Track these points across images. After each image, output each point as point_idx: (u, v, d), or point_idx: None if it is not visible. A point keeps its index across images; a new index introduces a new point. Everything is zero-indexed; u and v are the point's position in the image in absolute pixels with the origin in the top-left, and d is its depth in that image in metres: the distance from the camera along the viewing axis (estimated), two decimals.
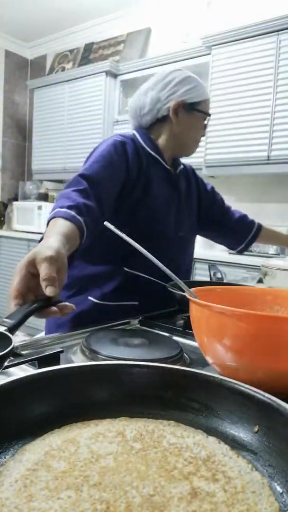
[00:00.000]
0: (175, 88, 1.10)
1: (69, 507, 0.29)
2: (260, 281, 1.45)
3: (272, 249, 2.59)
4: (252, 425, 0.39)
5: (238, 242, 1.41)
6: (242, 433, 0.40)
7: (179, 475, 0.34)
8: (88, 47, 3.93)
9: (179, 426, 0.42)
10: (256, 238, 1.41)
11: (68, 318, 1.08)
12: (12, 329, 0.54)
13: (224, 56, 2.66)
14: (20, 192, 4.37)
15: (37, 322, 3.24)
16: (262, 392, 0.40)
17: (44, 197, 4.05)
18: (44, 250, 0.62)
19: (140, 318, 0.92)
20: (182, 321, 0.95)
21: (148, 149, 1.12)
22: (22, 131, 4.60)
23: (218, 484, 0.33)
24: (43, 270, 0.59)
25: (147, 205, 1.09)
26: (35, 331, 2.91)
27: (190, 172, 1.30)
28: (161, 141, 1.15)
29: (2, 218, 4.22)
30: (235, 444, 0.39)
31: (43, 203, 3.80)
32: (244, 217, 1.40)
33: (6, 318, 0.55)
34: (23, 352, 0.65)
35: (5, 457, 0.36)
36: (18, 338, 0.53)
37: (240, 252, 1.45)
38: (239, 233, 1.40)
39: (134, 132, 1.15)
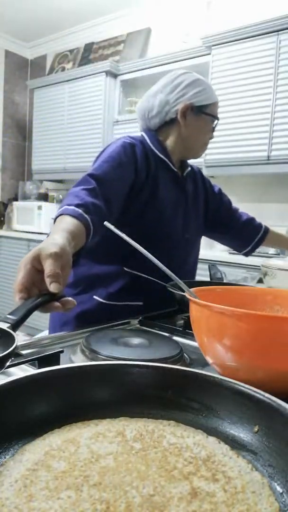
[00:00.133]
0: (184, 91, 1.10)
1: (69, 507, 0.29)
2: (260, 281, 1.45)
3: (272, 249, 2.59)
4: (252, 425, 0.39)
5: (244, 245, 1.41)
6: (242, 433, 0.40)
7: (179, 475, 0.34)
8: (88, 47, 3.94)
9: (179, 426, 0.42)
10: (263, 241, 1.40)
11: (73, 316, 1.09)
12: (15, 325, 0.54)
13: (224, 56, 2.66)
14: (20, 192, 4.37)
15: (37, 322, 3.25)
16: (262, 392, 0.40)
17: (44, 197, 4.05)
18: (49, 246, 0.62)
19: (140, 318, 0.93)
20: (182, 321, 0.95)
21: (157, 152, 1.12)
22: (22, 131, 4.60)
23: (218, 484, 0.33)
24: (48, 266, 0.60)
25: (155, 207, 1.09)
26: (35, 331, 2.91)
27: (197, 174, 1.30)
28: (169, 143, 1.15)
29: (2, 218, 4.22)
30: (235, 444, 0.39)
31: (43, 203, 3.80)
32: (251, 220, 1.40)
33: (9, 314, 0.55)
34: (23, 352, 0.65)
35: (5, 457, 0.36)
36: (19, 338, 0.53)
37: (246, 255, 1.44)
38: (246, 235, 1.39)
39: (143, 133, 1.16)
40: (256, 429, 0.39)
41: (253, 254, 1.47)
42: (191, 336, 0.79)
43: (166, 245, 1.13)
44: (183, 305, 0.96)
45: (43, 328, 2.86)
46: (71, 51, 4.10)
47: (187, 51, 2.93)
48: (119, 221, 0.99)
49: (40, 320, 3.20)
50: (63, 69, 4.06)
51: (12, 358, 0.53)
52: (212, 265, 1.50)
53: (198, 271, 1.34)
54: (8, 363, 0.50)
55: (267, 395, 0.39)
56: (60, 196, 4.07)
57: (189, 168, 1.24)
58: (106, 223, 0.68)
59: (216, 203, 1.33)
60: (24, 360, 0.60)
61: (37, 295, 0.59)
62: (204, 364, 0.64)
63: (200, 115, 1.12)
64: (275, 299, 0.70)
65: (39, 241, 3.53)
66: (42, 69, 4.43)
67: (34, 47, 4.47)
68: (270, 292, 0.74)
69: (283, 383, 0.50)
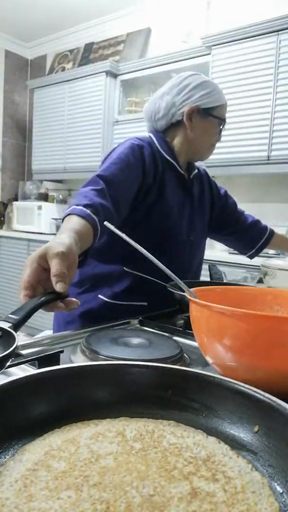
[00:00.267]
0: (191, 93, 1.09)
1: (69, 507, 0.29)
2: (260, 281, 1.45)
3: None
4: (252, 425, 0.39)
5: (249, 247, 1.41)
6: (242, 433, 0.40)
7: (179, 475, 0.34)
8: (88, 47, 3.94)
9: (179, 426, 0.42)
10: (268, 244, 1.40)
11: (77, 315, 1.09)
12: (17, 325, 0.54)
13: (224, 56, 2.66)
14: (20, 192, 4.37)
15: (37, 322, 3.25)
16: (262, 392, 0.40)
17: (44, 197, 4.05)
18: (56, 246, 0.63)
19: (140, 318, 0.93)
20: (182, 321, 0.95)
21: (164, 154, 1.12)
22: (22, 131, 4.60)
23: (218, 484, 0.33)
24: (54, 266, 0.60)
25: (161, 209, 1.10)
26: (35, 331, 2.91)
27: (204, 176, 1.30)
28: (176, 145, 1.15)
29: (2, 218, 4.22)
30: (235, 444, 0.39)
31: (43, 203, 3.80)
32: (256, 222, 1.39)
33: (11, 314, 0.55)
34: (23, 352, 0.65)
35: (5, 457, 0.36)
36: (19, 338, 0.53)
37: (251, 257, 1.44)
38: (250, 238, 1.39)
39: (151, 135, 1.16)
40: (256, 429, 0.39)
41: None
42: (191, 336, 0.79)
43: (171, 247, 1.13)
44: (183, 305, 0.96)
45: (44, 328, 2.86)
46: (71, 51, 4.10)
47: (187, 51, 2.93)
48: (126, 223, 0.99)
49: (41, 320, 3.20)
50: (63, 69, 4.06)
51: (12, 358, 0.53)
52: (212, 265, 1.50)
53: None
54: (8, 363, 0.50)
55: (267, 395, 0.39)
56: (60, 196, 4.07)
57: (196, 170, 1.24)
58: (106, 223, 0.68)
59: (222, 206, 1.33)
60: (24, 360, 0.60)
61: (41, 294, 0.60)
62: (204, 364, 0.64)
63: (206, 118, 1.11)
64: (275, 299, 0.70)
65: (39, 241, 3.55)
66: (42, 69, 4.43)
67: (34, 47, 4.47)
68: (270, 292, 0.74)
69: (283, 383, 0.50)
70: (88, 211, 0.80)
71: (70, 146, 3.66)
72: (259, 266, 1.39)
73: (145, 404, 0.44)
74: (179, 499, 0.30)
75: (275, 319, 0.54)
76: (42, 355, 0.61)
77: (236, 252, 1.51)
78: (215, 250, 2.74)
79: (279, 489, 0.33)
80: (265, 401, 0.39)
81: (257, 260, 1.48)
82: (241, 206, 1.42)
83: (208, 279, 1.49)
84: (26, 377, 0.41)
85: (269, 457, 0.36)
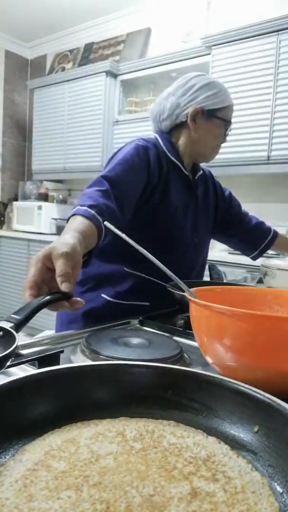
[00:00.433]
0: (195, 94, 1.09)
1: (69, 507, 0.29)
2: (260, 281, 1.45)
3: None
4: (252, 425, 0.39)
5: (252, 249, 1.41)
6: (242, 433, 0.40)
7: (179, 475, 0.34)
8: (88, 47, 3.94)
9: (179, 426, 0.42)
10: (271, 245, 1.40)
11: (80, 314, 1.10)
12: (19, 325, 0.54)
13: (224, 56, 2.66)
14: (20, 192, 4.37)
15: (37, 322, 3.25)
16: (262, 392, 0.40)
17: (44, 197, 4.05)
18: (61, 246, 0.63)
19: (140, 318, 0.93)
20: (182, 321, 0.95)
21: (169, 155, 1.12)
22: (22, 131, 4.60)
23: (218, 484, 0.33)
24: (59, 266, 0.61)
25: (165, 210, 1.10)
26: (35, 331, 2.90)
27: (209, 178, 1.30)
28: (180, 145, 1.15)
29: (2, 218, 4.22)
30: (235, 444, 0.39)
31: (43, 203, 3.80)
32: (260, 224, 1.39)
33: (13, 314, 0.55)
34: (23, 352, 0.65)
35: (5, 457, 0.36)
36: (19, 338, 0.53)
37: (254, 259, 1.44)
38: (254, 239, 1.39)
39: (156, 136, 1.15)
40: (256, 429, 0.39)
41: None
42: (191, 336, 0.79)
43: (175, 248, 1.14)
44: (183, 305, 0.96)
45: (44, 328, 2.86)
46: (71, 51, 4.10)
47: (187, 51, 2.93)
48: (130, 223, 0.99)
49: (41, 320, 3.20)
50: (63, 69, 4.06)
51: (12, 358, 0.53)
52: (212, 265, 1.50)
53: None
54: (8, 363, 0.50)
55: (267, 395, 0.39)
56: (60, 196, 4.07)
57: (201, 172, 1.24)
58: (106, 223, 0.69)
59: (226, 207, 1.33)
60: (24, 360, 0.60)
61: (45, 294, 0.60)
62: (204, 364, 0.64)
63: (211, 119, 1.11)
64: (275, 299, 0.70)
65: (39, 241, 3.55)
66: (42, 69, 4.43)
67: (34, 47, 4.47)
68: (270, 292, 0.74)
69: (283, 383, 0.50)
70: (92, 211, 0.80)
71: (70, 146, 3.66)
72: (259, 266, 1.39)
73: (145, 404, 0.44)
74: (179, 499, 0.30)
75: (275, 319, 0.54)
76: (42, 355, 0.61)
77: (236, 252, 1.52)
78: (215, 250, 2.74)
79: (279, 489, 0.33)
80: (265, 401, 0.39)
81: (257, 260, 1.48)
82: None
83: (208, 279, 1.49)
84: (26, 377, 0.41)
85: (269, 457, 0.36)
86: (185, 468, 0.35)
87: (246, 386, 0.41)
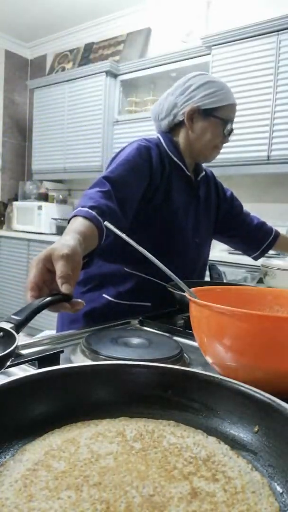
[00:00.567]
0: (193, 93, 1.09)
1: (69, 507, 0.29)
2: (260, 281, 1.45)
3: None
4: (252, 425, 0.39)
5: (254, 249, 1.41)
6: (242, 433, 0.40)
7: (179, 475, 0.34)
8: (88, 47, 3.94)
9: (179, 426, 0.42)
10: (272, 246, 1.40)
11: (81, 314, 1.10)
12: (19, 326, 0.54)
13: (224, 56, 2.66)
14: (20, 192, 4.37)
15: (37, 322, 3.25)
16: (262, 392, 0.40)
17: (44, 197, 4.05)
18: (61, 248, 0.63)
19: (140, 318, 0.93)
20: (182, 321, 0.95)
21: (172, 155, 1.12)
22: (22, 131, 4.60)
23: (218, 484, 0.33)
24: (60, 268, 0.61)
25: (166, 211, 1.10)
26: (35, 331, 2.90)
27: (210, 178, 1.30)
28: (180, 145, 1.15)
29: (2, 218, 4.22)
30: (235, 444, 0.39)
31: (43, 203, 3.80)
32: (262, 224, 1.39)
33: (13, 315, 0.56)
34: (23, 352, 0.65)
35: (5, 457, 0.36)
36: (19, 338, 0.53)
37: (255, 259, 1.44)
38: (256, 240, 1.39)
39: (159, 136, 1.16)
40: (256, 429, 0.39)
41: None
42: (191, 336, 0.79)
43: (176, 249, 1.14)
44: (183, 305, 0.96)
45: (44, 328, 2.86)
46: (71, 51, 4.10)
47: (187, 51, 2.93)
48: (131, 224, 0.99)
49: (41, 320, 3.20)
50: (63, 69, 4.06)
51: (12, 358, 0.53)
52: (212, 265, 1.50)
53: None
54: (8, 363, 0.50)
55: (267, 395, 0.39)
56: (60, 196, 4.07)
57: (203, 173, 1.24)
58: (106, 223, 0.69)
59: (227, 208, 1.33)
60: (24, 360, 0.60)
61: (45, 295, 0.60)
62: (204, 364, 0.64)
63: (208, 118, 1.10)
64: (275, 299, 0.70)
65: (39, 241, 3.55)
66: (42, 69, 4.43)
67: (34, 47, 4.47)
68: (270, 292, 0.74)
69: (283, 383, 0.50)
70: (93, 212, 0.80)
71: (70, 146, 3.66)
72: (259, 266, 1.39)
73: (145, 404, 0.44)
74: (179, 499, 0.30)
75: (275, 319, 0.54)
76: (42, 355, 0.61)
77: (236, 252, 1.52)
78: (215, 250, 2.74)
79: (279, 489, 0.33)
80: (265, 401, 0.39)
81: (257, 260, 1.48)
82: None
83: (208, 279, 1.49)
84: (26, 377, 0.41)
85: (269, 457, 0.36)
86: (185, 468, 0.35)
87: (246, 386, 0.41)
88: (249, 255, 1.44)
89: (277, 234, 1.40)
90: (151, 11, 3.48)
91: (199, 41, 2.80)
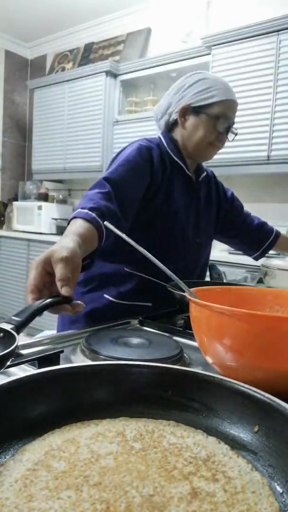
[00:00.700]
0: (186, 92, 1.09)
1: (69, 507, 0.29)
2: (260, 281, 1.45)
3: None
4: (252, 425, 0.39)
5: (254, 249, 1.41)
6: (242, 433, 0.40)
7: (179, 475, 0.34)
8: (88, 47, 3.94)
9: (179, 426, 0.42)
10: (273, 246, 1.40)
11: (82, 314, 1.10)
12: (19, 327, 0.54)
13: (224, 56, 2.66)
14: (20, 192, 4.37)
15: (37, 322, 3.24)
16: (262, 392, 0.40)
17: (44, 197, 4.05)
18: (60, 250, 0.64)
19: (140, 318, 0.92)
20: (182, 321, 0.95)
21: (173, 155, 1.12)
22: (22, 131, 4.60)
23: (218, 484, 0.33)
24: (59, 271, 0.61)
25: (167, 211, 1.10)
26: (35, 331, 2.90)
27: (211, 178, 1.29)
28: (179, 144, 1.15)
29: (2, 218, 4.22)
30: (235, 444, 0.39)
31: (43, 203, 3.80)
32: (262, 224, 1.39)
33: (14, 316, 0.56)
34: (23, 352, 0.65)
35: (5, 457, 0.36)
36: (19, 338, 0.53)
37: (256, 259, 1.44)
38: (256, 240, 1.39)
39: (160, 136, 1.16)
40: (256, 429, 0.39)
41: None
42: (191, 336, 0.79)
43: (177, 249, 1.13)
44: (183, 305, 0.96)
45: (44, 328, 2.86)
46: (71, 51, 4.10)
47: (187, 51, 2.93)
48: (132, 224, 0.99)
49: (41, 320, 3.19)
50: (63, 69, 4.06)
51: (12, 358, 0.54)
52: (212, 265, 1.50)
53: None
54: (8, 363, 0.50)
55: (267, 395, 0.39)
56: (60, 196, 4.07)
57: (205, 173, 1.24)
58: (106, 223, 0.69)
59: (228, 208, 1.33)
60: (24, 360, 0.60)
61: (45, 297, 0.61)
62: (204, 364, 0.64)
63: (198, 115, 1.09)
64: (275, 299, 0.70)
65: (39, 241, 3.55)
66: (42, 69, 4.43)
67: (34, 47, 4.47)
68: (270, 292, 0.74)
69: (283, 383, 0.50)
70: (93, 214, 0.80)
71: (70, 146, 3.66)
72: (259, 266, 1.39)
73: (145, 404, 0.44)
74: (179, 499, 0.30)
75: (275, 319, 0.54)
76: (42, 355, 0.61)
77: (236, 252, 1.52)
78: (215, 250, 2.73)
79: (279, 489, 0.33)
80: (265, 401, 0.39)
81: (257, 260, 1.48)
82: None
83: (208, 279, 1.49)
84: (26, 377, 0.41)
85: (269, 457, 0.36)
86: (185, 468, 0.35)
87: (246, 386, 0.41)
88: (250, 255, 1.44)
89: (278, 234, 1.40)
90: (151, 11, 3.48)
91: (199, 41, 2.80)
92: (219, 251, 2.70)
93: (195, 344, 0.72)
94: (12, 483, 0.32)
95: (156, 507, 0.29)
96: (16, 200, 4.26)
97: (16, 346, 0.50)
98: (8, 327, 0.53)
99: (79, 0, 3.51)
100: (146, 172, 1.03)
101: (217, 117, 1.09)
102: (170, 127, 1.16)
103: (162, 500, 0.30)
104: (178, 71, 3.02)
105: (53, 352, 0.62)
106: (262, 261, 1.39)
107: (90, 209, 0.81)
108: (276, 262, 1.33)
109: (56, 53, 4.26)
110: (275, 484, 0.34)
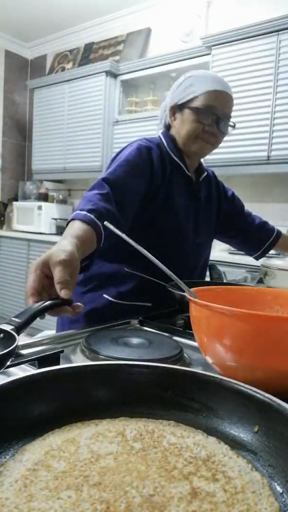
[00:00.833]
0: (175, 93, 1.11)
1: (69, 507, 0.29)
2: (260, 281, 1.45)
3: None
4: (252, 425, 0.39)
5: (255, 249, 1.41)
6: (242, 433, 0.40)
7: (179, 475, 0.34)
8: (88, 47, 3.93)
9: (179, 426, 0.42)
10: (274, 245, 1.40)
11: (82, 315, 1.10)
12: (19, 328, 0.54)
13: (224, 56, 2.66)
14: (20, 192, 4.37)
15: (37, 322, 3.24)
16: (262, 392, 0.40)
17: (44, 197, 4.05)
18: (58, 253, 0.64)
19: (140, 318, 0.92)
20: (182, 321, 0.95)
21: (172, 155, 1.12)
22: (22, 131, 4.60)
23: (218, 484, 0.33)
24: (57, 273, 0.61)
25: (167, 211, 1.10)
26: (35, 331, 2.91)
27: (212, 178, 1.29)
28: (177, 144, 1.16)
29: (2, 218, 4.22)
30: (235, 444, 0.39)
31: (43, 203, 3.80)
32: (263, 224, 1.39)
33: (14, 317, 0.56)
34: (23, 352, 0.65)
35: (5, 457, 0.36)
36: (19, 339, 0.53)
37: (257, 258, 1.44)
38: (257, 240, 1.39)
39: (161, 136, 1.16)
40: (256, 429, 0.39)
41: None
42: (191, 336, 0.79)
43: (177, 249, 1.13)
44: (183, 305, 0.96)
45: (44, 328, 2.86)
46: (71, 51, 4.10)
47: (187, 51, 2.93)
48: (132, 225, 0.99)
49: (41, 320, 3.19)
50: (63, 69, 4.06)
51: (12, 358, 0.54)
52: (212, 265, 1.50)
53: None
54: (8, 363, 0.50)
55: (267, 395, 0.39)
56: (60, 196, 4.07)
57: (205, 173, 1.24)
58: (106, 223, 0.69)
59: (228, 208, 1.33)
60: (24, 360, 0.60)
61: (44, 300, 0.61)
62: (204, 364, 0.64)
63: (183, 111, 1.10)
64: (275, 299, 0.70)
65: (39, 241, 3.55)
66: (42, 69, 4.43)
67: (34, 47, 4.47)
68: (270, 292, 0.74)
69: (283, 383, 0.50)
70: (91, 216, 0.80)
71: (70, 146, 3.66)
72: (259, 266, 1.39)
73: (145, 404, 0.44)
74: (179, 499, 0.30)
75: (275, 319, 0.54)
76: (42, 355, 0.61)
77: (236, 252, 1.52)
78: (215, 250, 2.73)
79: (279, 489, 0.33)
80: (265, 401, 0.39)
81: (256, 260, 1.48)
82: None
83: (208, 279, 1.49)
84: (26, 377, 0.41)
85: (269, 457, 0.36)
86: (185, 468, 0.35)
87: (246, 386, 0.41)
88: (251, 255, 1.44)
89: (279, 234, 1.40)
90: (151, 11, 3.48)
91: (199, 41, 2.80)
92: (219, 251, 2.70)
93: (195, 344, 0.72)
94: (12, 483, 0.32)
95: (156, 507, 0.29)
96: (16, 200, 4.26)
97: (16, 346, 0.50)
98: (8, 328, 0.54)
99: (79, 0, 3.51)
100: (146, 172, 1.03)
101: (198, 109, 1.07)
102: (168, 128, 1.18)
103: (162, 500, 0.30)
104: (178, 71, 3.02)
105: (53, 352, 0.62)
106: (262, 261, 1.39)
107: (89, 210, 0.80)
108: (276, 262, 1.33)
109: (56, 53, 4.26)
110: (275, 484, 0.34)
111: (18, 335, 0.53)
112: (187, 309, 0.66)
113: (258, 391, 0.40)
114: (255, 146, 2.55)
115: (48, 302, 0.60)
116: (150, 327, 0.90)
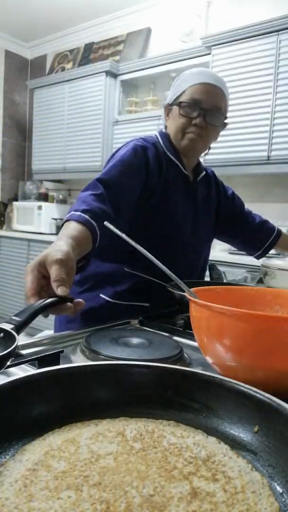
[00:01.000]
0: (170, 93, 1.14)
1: (69, 507, 0.29)
2: (260, 281, 1.45)
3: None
4: (252, 425, 0.39)
5: (256, 248, 1.40)
6: (242, 433, 0.40)
7: (179, 475, 0.34)
8: (88, 47, 3.94)
9: (179, 426, 0.42)
10: (274, 245, 1.39)
11: (79, 315, 1.09)
12: (19, 327, 0.54)
13: (224, 56, 2.66)
14: (20, 192, 4.37)
15: (37, 322, 3.25)
16: (262, 392, 0.40)
17: (44, 197, 4.05)
18: (54, 253, 0.64)
19: (140, 318, 0.92)
20: (182, 321, 0.95)
21: (169, 154, 1.12)
22: (22, 131, 4.60)
23: (218, 484, 0.33)
24: (54, 272, 0.62)
25: (164, 210, 1.09)
26: (35, 331, 2.91)
27: (211, 178, 1.29)
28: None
29: (2, 218, 4.22)
30: (235, 444, 0.39)
31: (43, 203, 3.80)
32: (263, 223, 1.39)
33: (15, 316, 0.56)
34: (23, 352, 0.65)
35: (5, 457, 0.36)
36: (19, 338, 0.53)
37: (258, 258, 1.44)
38: (257, 239, 1.38)
39: (157, 134, 1.16)
40: (256, 429, 0.39)
41: None
42: (191, 336, 0.79)
43: (175, 249, 1.13)
44: (183, 305, 0.96)
45: (44, 328, 2.86)
46: (71, 51, 4.10)
47: (187, 51, 2.93)
48: (131, 225, 0.99)
49: (41, 320, 3.19)
50: (63, 69, 4.06)
51: (12, 358, 0.54)
52: (212, 265, 1.50)
53: None
54: (8, 363, 0.50)
55: (267, 395, 0.39)
56: (60, 196, 4.07)
57: (204, 173, 1.24)
58: (106, 223, 0.69)
59: (228, 207, 1.33)
60: (24, 360, 0.60)
61: (43, 299, 0.61)
62: (204, 364, 0.64)
63: (172, 109, 1.13)
64: (275, 299, 0.70)
65: (39, 241, 3.55)
66: (42, 69, 4.43)
67: (34, 47, 4.47)
68: (270, 292, 0.74)
69: (283, 383, 0.50)
70: (86, 216, 0.79)
71: (70, 146, 3.66)
72: (259, 266, 1.39)
73: (145, 404, 0.44)
74: (179, 499, 0.30)
75: (275, 319, 0.54)
76: (42, 355, 0.61)
77: (236, 252, 1.52)
78: (215, 250, 2.74)
79: (279, 489, 0.33)
80: (265, 401, 0.39)
81: (257, 260, 1.48)
82: None
83: (208, 279, 1.49)
84: (26, 377, 0.41)
85: (269, 457, 0.36)
86: (185, 468, 0.35)
87: (246, 386, 0.41)
88: (251, 255, 1.44)
89: (279, 233, 1.40)
90: (151, 11, 3.48)
91: (199, 41, 2.80)
92: (219, 251, 2.70)
93: (195, 344, 0.72)
94: (12, 483, 0.32)
95: (156, 507, 0.29)
96: (16, 200, 4.27)
97: (16, 346, 0.50)
98: (8, 327, 0.53)
99: (79, 0, 3.51)
100: (141, 172, 1.03)
101: (182, 102, 1.07)
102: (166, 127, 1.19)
103: (162, 500, 0.30)
104: (178, 71, 3.01)
105: (53, 352, 0.62)
106: (262, 261, 1.39)
107: (83, 211, 0.80)
108: (276, 262, 1.33)
109: (56, 53, 4.26)
110: (275, 484, 0.34)
111: (18, 334, 0.53)
112: (187, 309, 0.66)
113: (258, 391, 0.40)
114: (255, 146, 2.55)
115: (48, 300, 0.60)
116: (150, 327, 0.90)
